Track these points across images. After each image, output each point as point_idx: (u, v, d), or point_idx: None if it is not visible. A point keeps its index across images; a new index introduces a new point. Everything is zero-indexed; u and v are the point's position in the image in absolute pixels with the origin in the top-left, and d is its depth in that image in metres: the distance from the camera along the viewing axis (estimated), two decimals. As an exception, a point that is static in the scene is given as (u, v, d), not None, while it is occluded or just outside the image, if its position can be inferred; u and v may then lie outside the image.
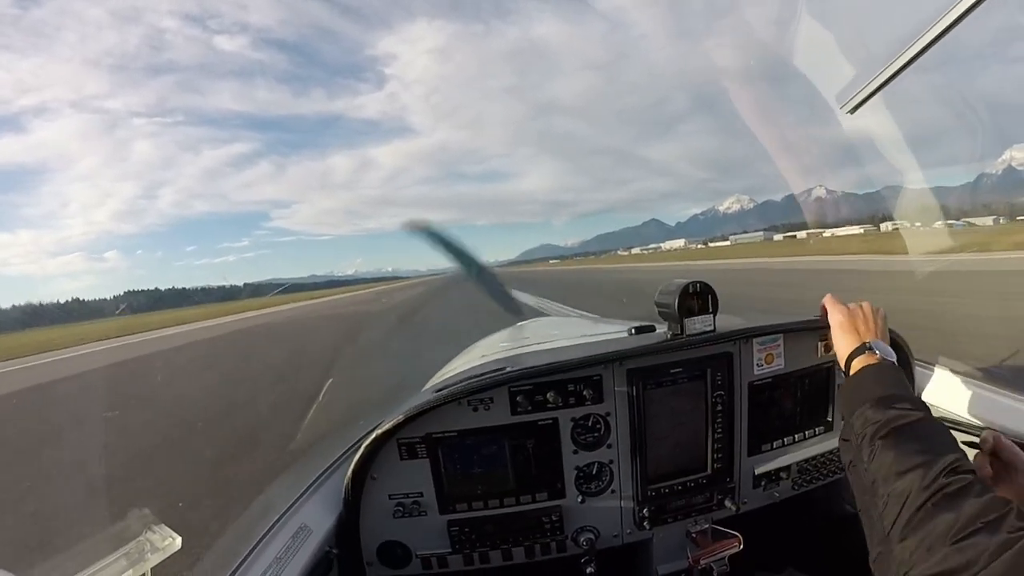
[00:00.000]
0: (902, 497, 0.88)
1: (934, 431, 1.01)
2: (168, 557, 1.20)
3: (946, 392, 1.81)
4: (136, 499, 4.96)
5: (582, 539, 1.63)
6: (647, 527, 1.67)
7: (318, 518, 1.53)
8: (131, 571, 1.13)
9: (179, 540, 1.21)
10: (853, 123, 1.93)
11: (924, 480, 0.87)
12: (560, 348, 1.90)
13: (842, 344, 1.32)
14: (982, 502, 0.79)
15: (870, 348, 1.23)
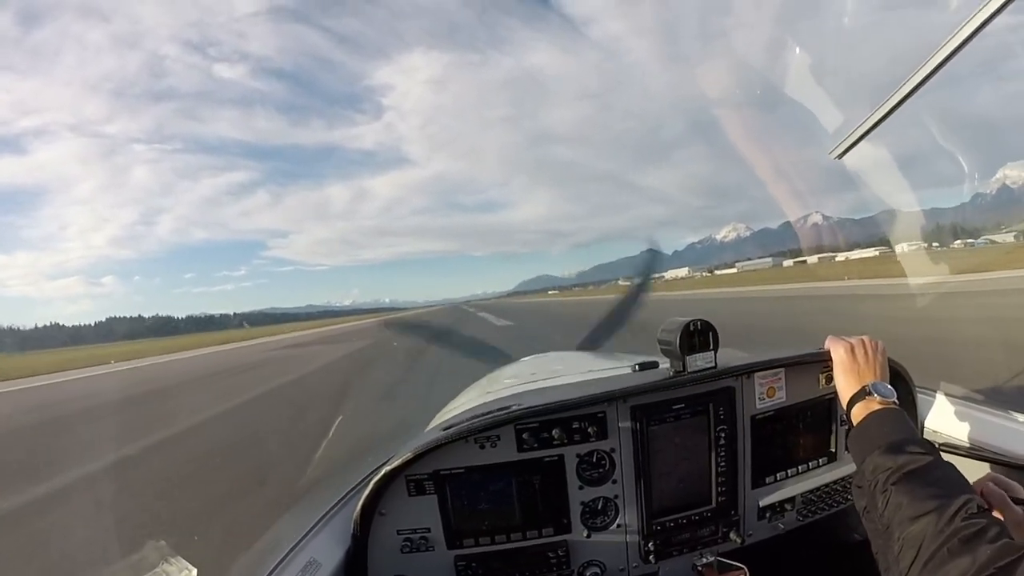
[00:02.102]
0: (917, 541, 0.91)
1: (944, 473, 1.04)
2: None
3: (949, 418, 1.82)
4: (152, 531, 4.95)
5: (588, 573, 1.65)
6: (653, 561, 1.67)
7: (327, 552, 1.54)
8: (148, 603, 1.15)
9: (195, 572, 1.23)
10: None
11: (938, 524, 0.90)
12: (565, 385, 1.93)
13: (843, 385, 1.37)
14: (995, 548, 0.82)
15: (870, 392, 1.28)
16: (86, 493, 7.08)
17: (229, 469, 7.42)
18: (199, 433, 10.87)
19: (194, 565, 1.24)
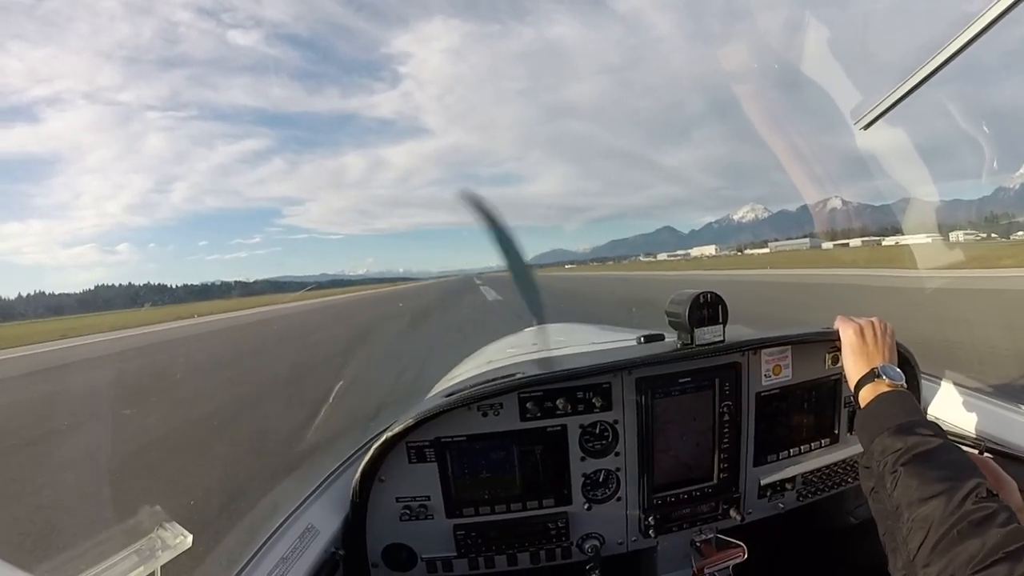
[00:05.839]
0: (926, 523, 0.90)
1: (954, 456, 1.03)
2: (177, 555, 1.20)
3: (952, 406, 1.82)
4: (147, 496, 4.97)
5: (587, 546, 1.64)
6: (652, 535, 1.67)
7: (325, 519, 1.54)
8: (142, 568, 1.13)
9: (190, 538, 1.21)
10: (870, 135, 1.94)
11: (948, 507, 0.89)
12: (569, 355, 1.91)
13: (851, 367, 1.35)
14: (1005, 532, 0.82)
15: (879, 375, 1.26)
16: (79, 456, 7.11)
17: (227, 434, 7.45)
18: (195, 397, 10.90)
19: (190, 531, 1.22)
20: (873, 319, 1.43)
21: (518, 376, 1.55)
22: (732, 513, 1.72)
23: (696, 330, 1.57)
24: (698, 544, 1.71)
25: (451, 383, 1.89)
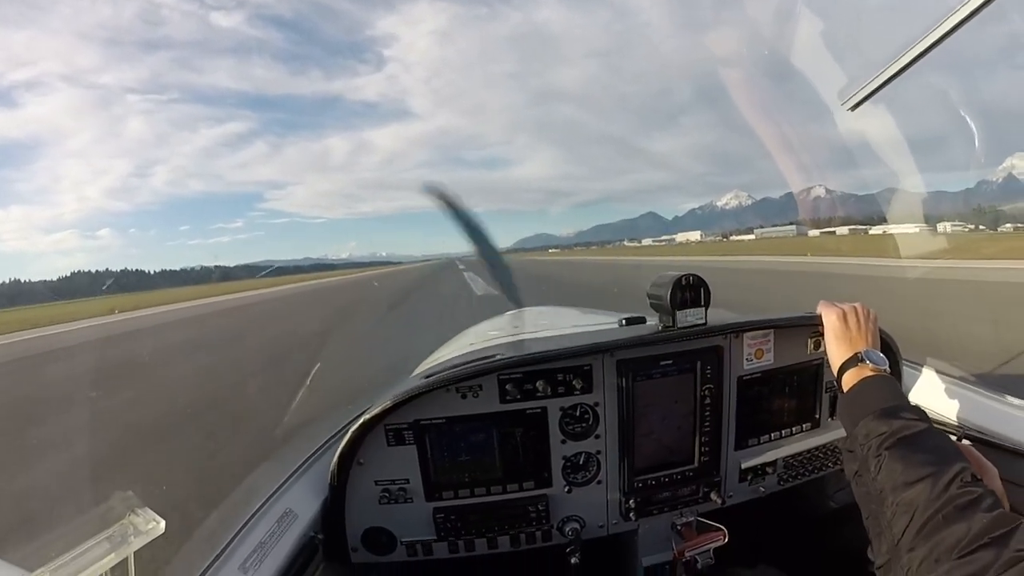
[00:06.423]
0: (911, 507, 0.90)
1: (938, 441, 1.03)
2: (151, 541, 1.18)
3: (933, 393, 1.83)
4: (119, 481, 4.91)
5: (567, 529, 1.64)
6: (633, 518, 1.67)
7: (303, 503, 1.52)
8: (114, 555, 1.11)
9: (163, 524, 1.19)
10: (855, 125, 1.93)
11: (933, 491, 0.89)
12: (551, 337, 1.89)
13: (834, 351, 1.34)
14: (991, 517, 0.81)
15: (862, 359, 1.25)
16: (47, 441, 7.02)
17: (202, 417, 7.38)
18: (171, 381, 10.79)
19: (164, 517, 1.20)
20: (856, 304, 1.42)
21: (497, 358, 1.54)
22: (713, 496, 1.72)
23: (678, 312, 1.56)
24: (679, 527, 1.72)
25: (431, 365, 1.87)
